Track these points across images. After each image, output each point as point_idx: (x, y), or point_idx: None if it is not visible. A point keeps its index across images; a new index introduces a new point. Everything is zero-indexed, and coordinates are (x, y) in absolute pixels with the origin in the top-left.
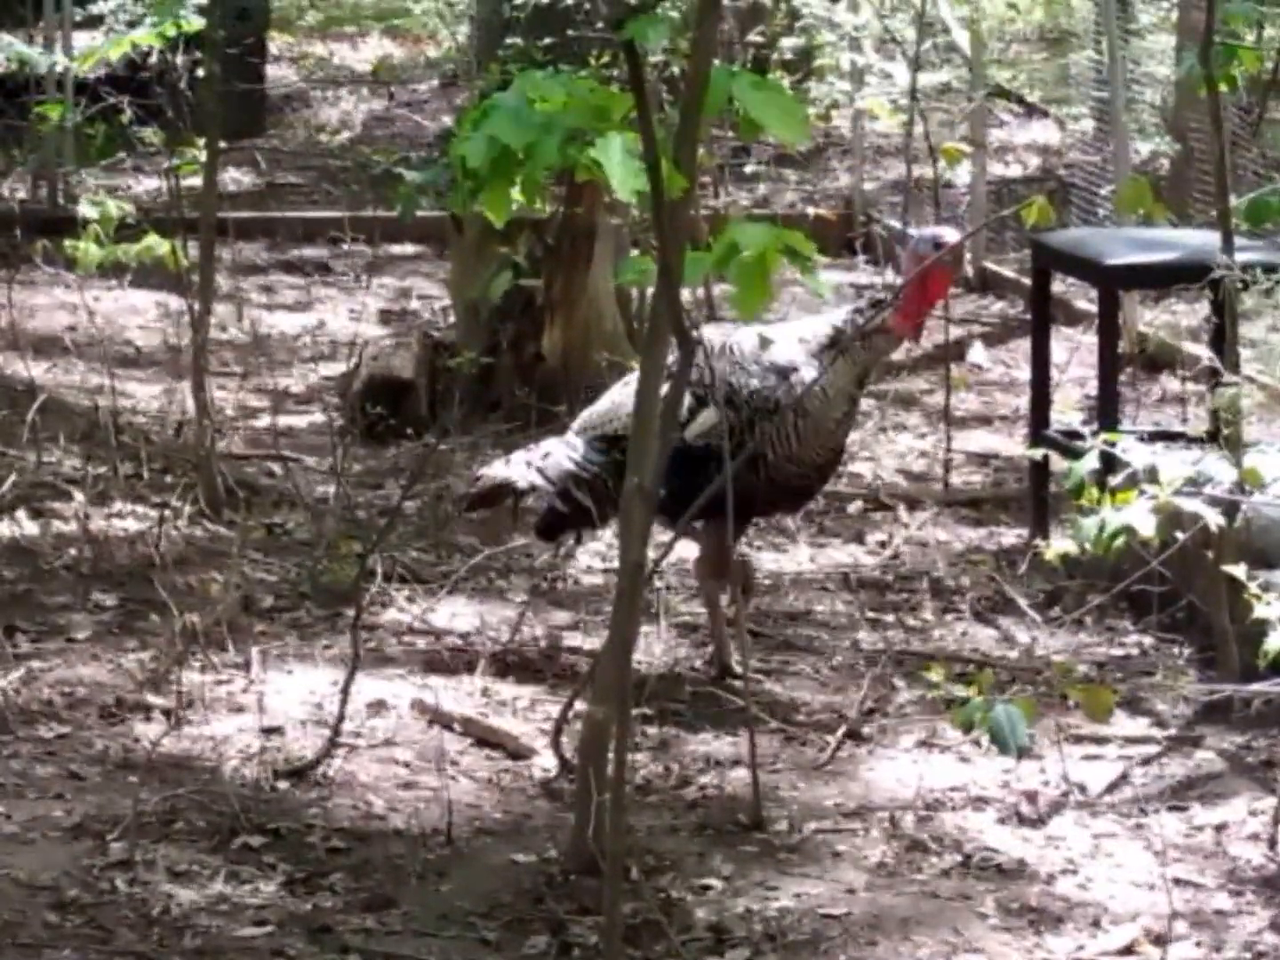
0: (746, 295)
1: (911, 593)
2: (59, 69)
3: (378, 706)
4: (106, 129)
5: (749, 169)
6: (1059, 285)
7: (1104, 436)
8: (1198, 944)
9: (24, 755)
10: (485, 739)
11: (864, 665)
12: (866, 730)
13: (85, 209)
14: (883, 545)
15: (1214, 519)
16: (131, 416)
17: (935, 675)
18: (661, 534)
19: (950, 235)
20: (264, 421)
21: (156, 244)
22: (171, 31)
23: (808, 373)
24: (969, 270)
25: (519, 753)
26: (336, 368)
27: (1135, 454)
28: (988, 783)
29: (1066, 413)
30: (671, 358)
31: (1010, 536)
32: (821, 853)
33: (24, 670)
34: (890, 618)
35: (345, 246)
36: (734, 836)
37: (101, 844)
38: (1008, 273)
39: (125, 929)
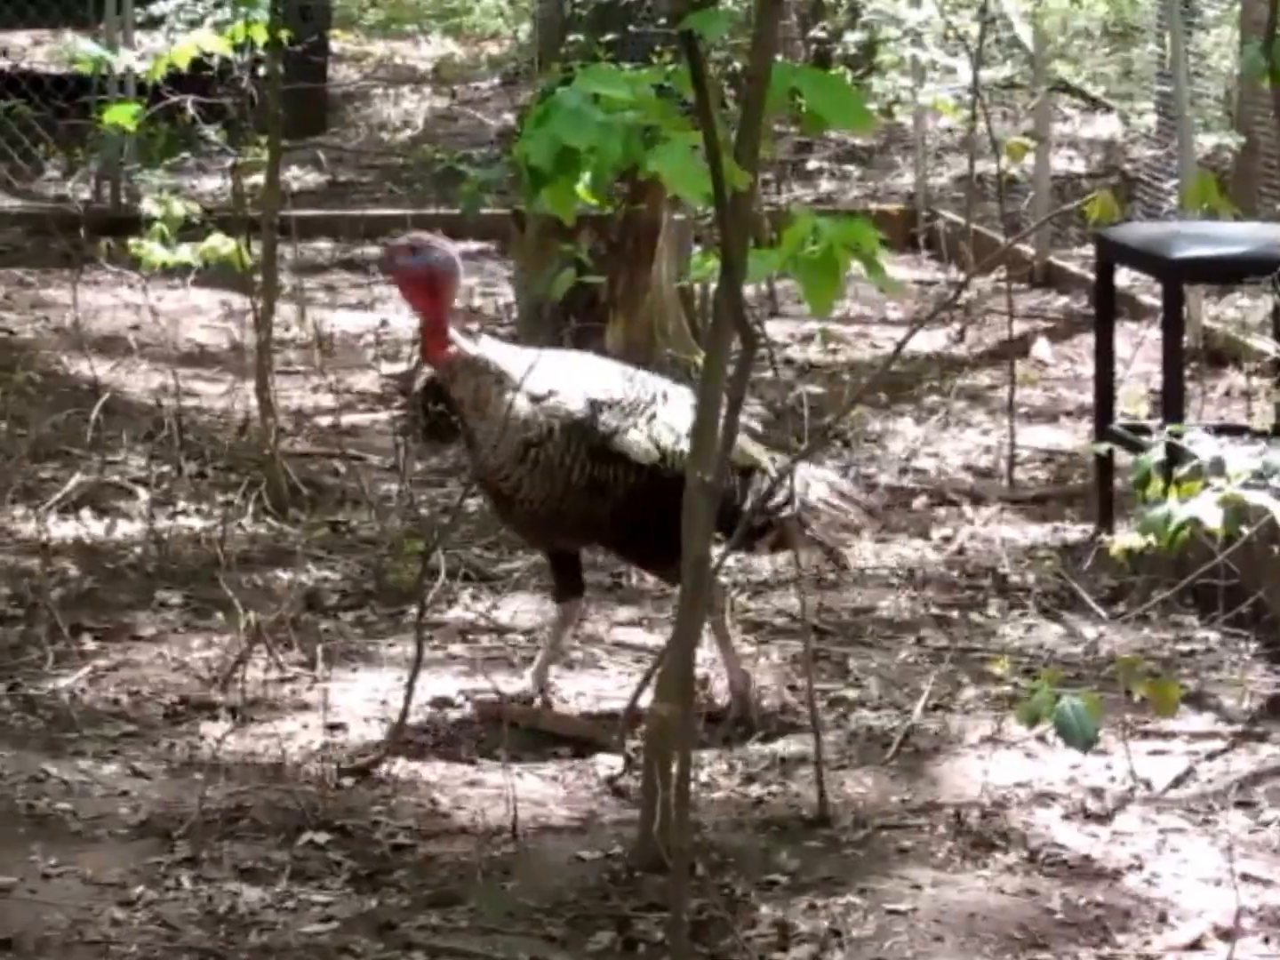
0: (816, 292)
1: (976, 589)
2: (120, 69)
3: (442, 704)
4: (169, 128)
5: (811, 165)
6: (1123, 280)
7: (1169, 430)
8: (1265, 940)
9: (90, 754)
10: (551, 734)
11: (929, 662)
12: (932, 727)
13: (149, 208)
14: (947, 541)
15: None
16: (196, 416)
17: (1000, 666)
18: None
19: (420, 239)
20: (328, 420)
21: (220, 243)
22: (240, 36)
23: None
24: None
25: (589, 741)
26: (399, 366)
27: (1201, 447)
28: (1054, 779)
29: (1131, 408)
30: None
31: (1075, 532)
32: (887, 849)
33: (90, 669)
34: (955, 614)
35: None
36: (799, 833)
37: (168, 842)
38: (1072, 268)
39: (191, 926)
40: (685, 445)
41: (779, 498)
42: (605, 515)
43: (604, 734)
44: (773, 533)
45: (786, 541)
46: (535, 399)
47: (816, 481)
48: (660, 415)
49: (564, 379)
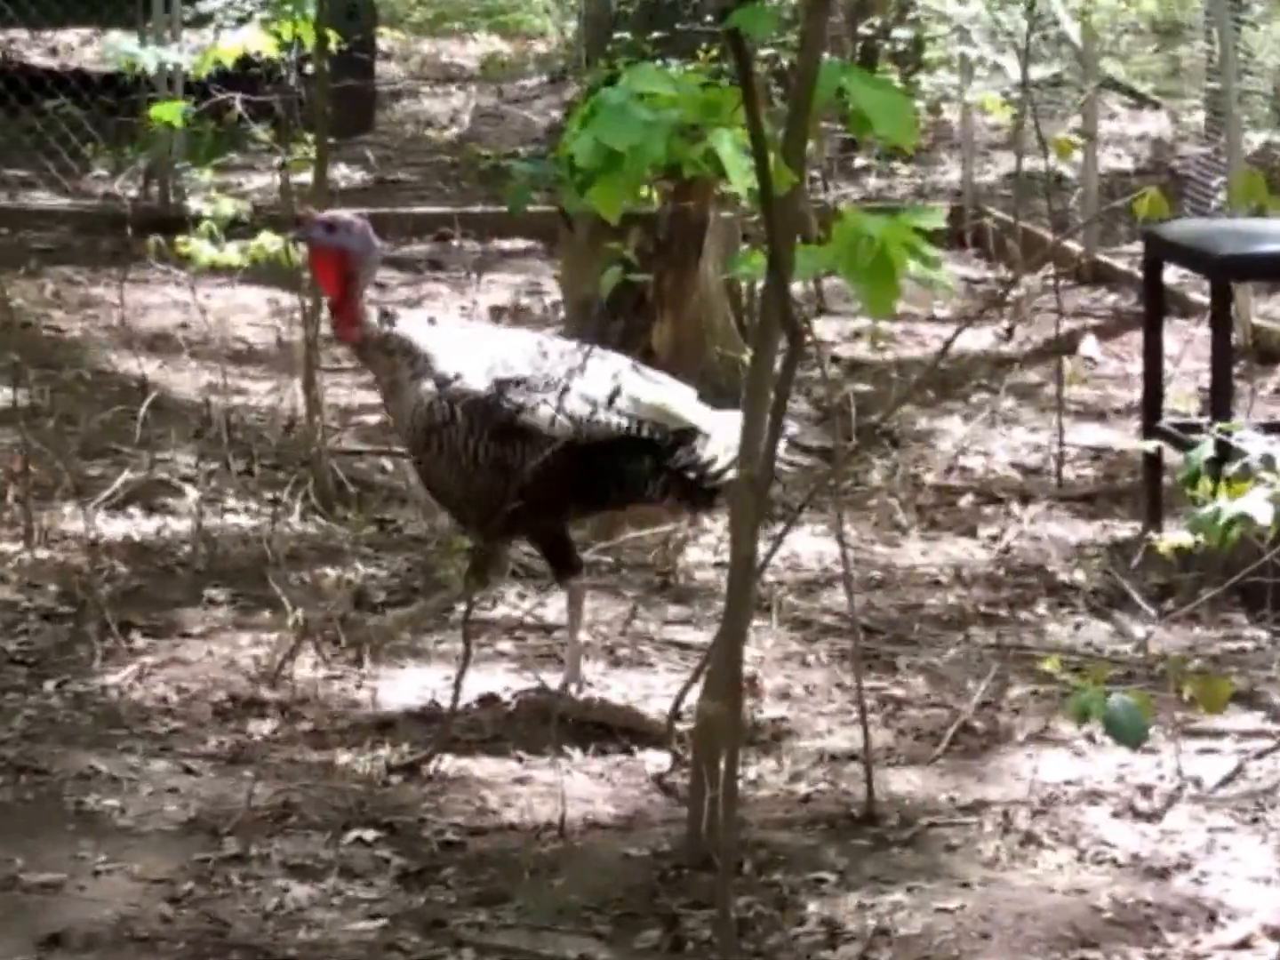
0: (874, 292)
1: (1025, 587)
2: (169, 67)
3: (490, 701)
4: (217, 126)
5: (858, 163)
6: (1172, 277)
7: (1218, 428)
8: None
9: (138, 750)
10: (603, 722)
11: (977, 660)
12: (980, 725)
13: (197, 207)
14: (995, 539)
15: None
16: (243, 414)
17: (1050, 664)
18: (773, 528)
19: (338, 217)
20: (375, 418)
21: (268, 242)
22: (287, 34)
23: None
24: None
25: (639, 730)
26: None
27: (1250, 445)
28: (1102, 777)
29: (1180, 405)
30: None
31: (1124, 530)
32: (935, 847)
33: (138, 666)
34: (1003, 612)
35: (455, 243)
36: (847, 831)
37: (216, 838)
38: (1120, 265)
39: (240, 923)
40: (603, 415)
41: (722, 462)
42: (514, 495)
43: (654, 724)
44: (720, 496)
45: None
46: (441, 383)
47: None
48: (574, 388)
49: (473, 360)
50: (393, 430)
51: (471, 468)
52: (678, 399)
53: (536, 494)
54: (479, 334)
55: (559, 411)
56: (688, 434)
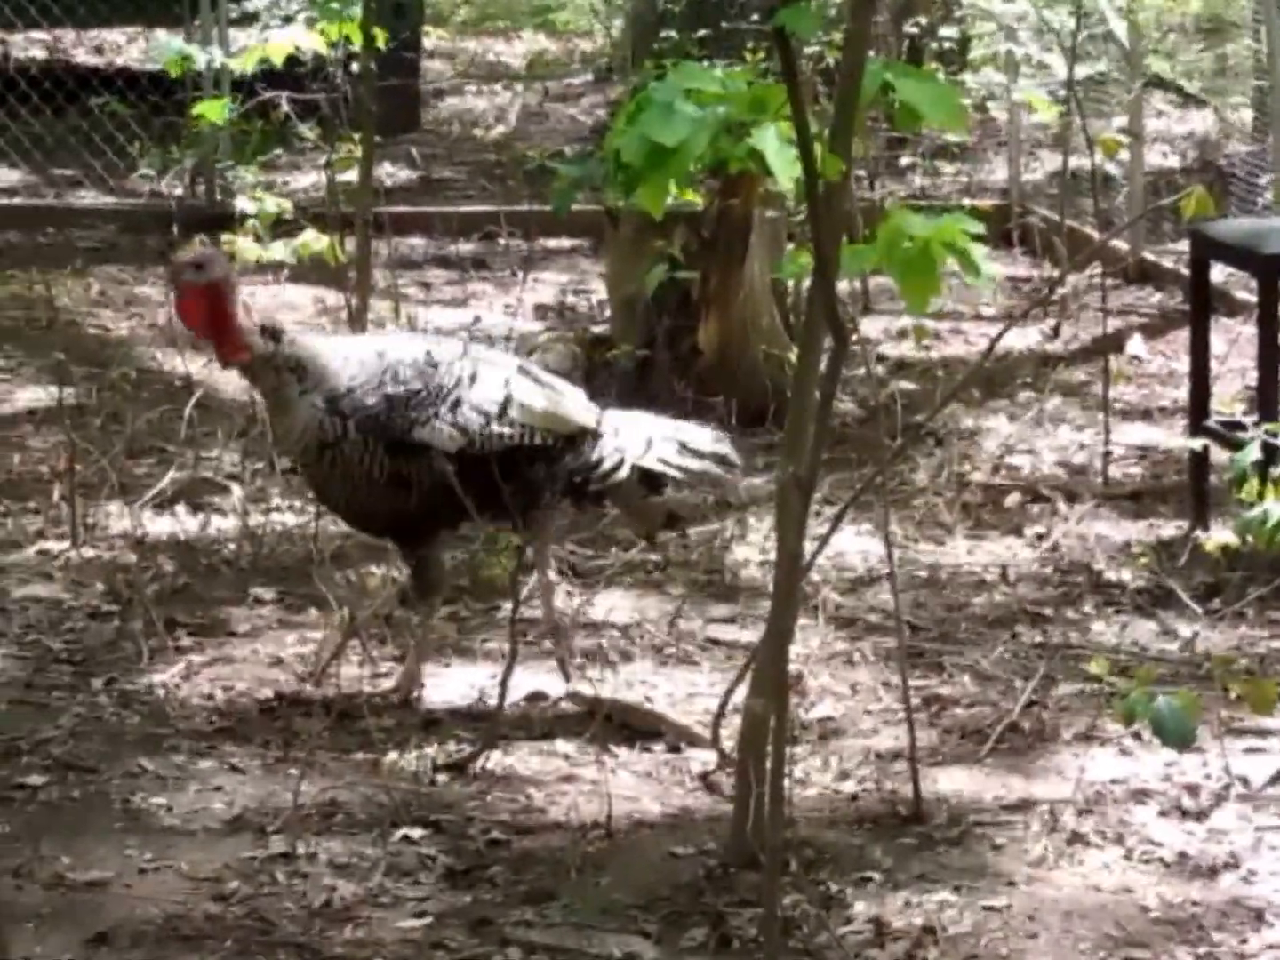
0: (914, 288)
1: (1071, 586)
2: (215, 66)
3: (536, 699)
4: (263, 125)
5: (904, 161)
6: (1218, 275)
7: (1265, 427)
8: None
9: (184, 749)
10: (645, 729)
11: (1023, 658)
12: (1027, 724)
13: (243, 205)
14: (1041, 538)
15: None
16: None
17: (1096, 666)
18: (818, 526)
19: (204, 254)
20: None
21: (314, 240)
22: (335, 33)
23: None
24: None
25: (684, 739)
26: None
27: None
28: (1149, 776)
29: (1226, 404)
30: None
31: (1170, 529)
32: (982, 846)
33: (185, 665)
34: (1049, 611)
35: (501, 241)
36: (893, 829)
37: (262, 836)
38: (1167, 264)
39: (286, 921)
40: (496, 426)
41: (609, 464)
42: (411, 508)
43: (697, 734)
44: (607, 498)
45: (623, 503)
46: (333, 398)
47: (662, 442)
48: (466, 399)
49: (364, 374)
50: (276, 444)
51: (365, 483)
52: (568, 402)
53: (433, 507)
54: (368, 345)
55: (452, 425)
56: (577, 437)
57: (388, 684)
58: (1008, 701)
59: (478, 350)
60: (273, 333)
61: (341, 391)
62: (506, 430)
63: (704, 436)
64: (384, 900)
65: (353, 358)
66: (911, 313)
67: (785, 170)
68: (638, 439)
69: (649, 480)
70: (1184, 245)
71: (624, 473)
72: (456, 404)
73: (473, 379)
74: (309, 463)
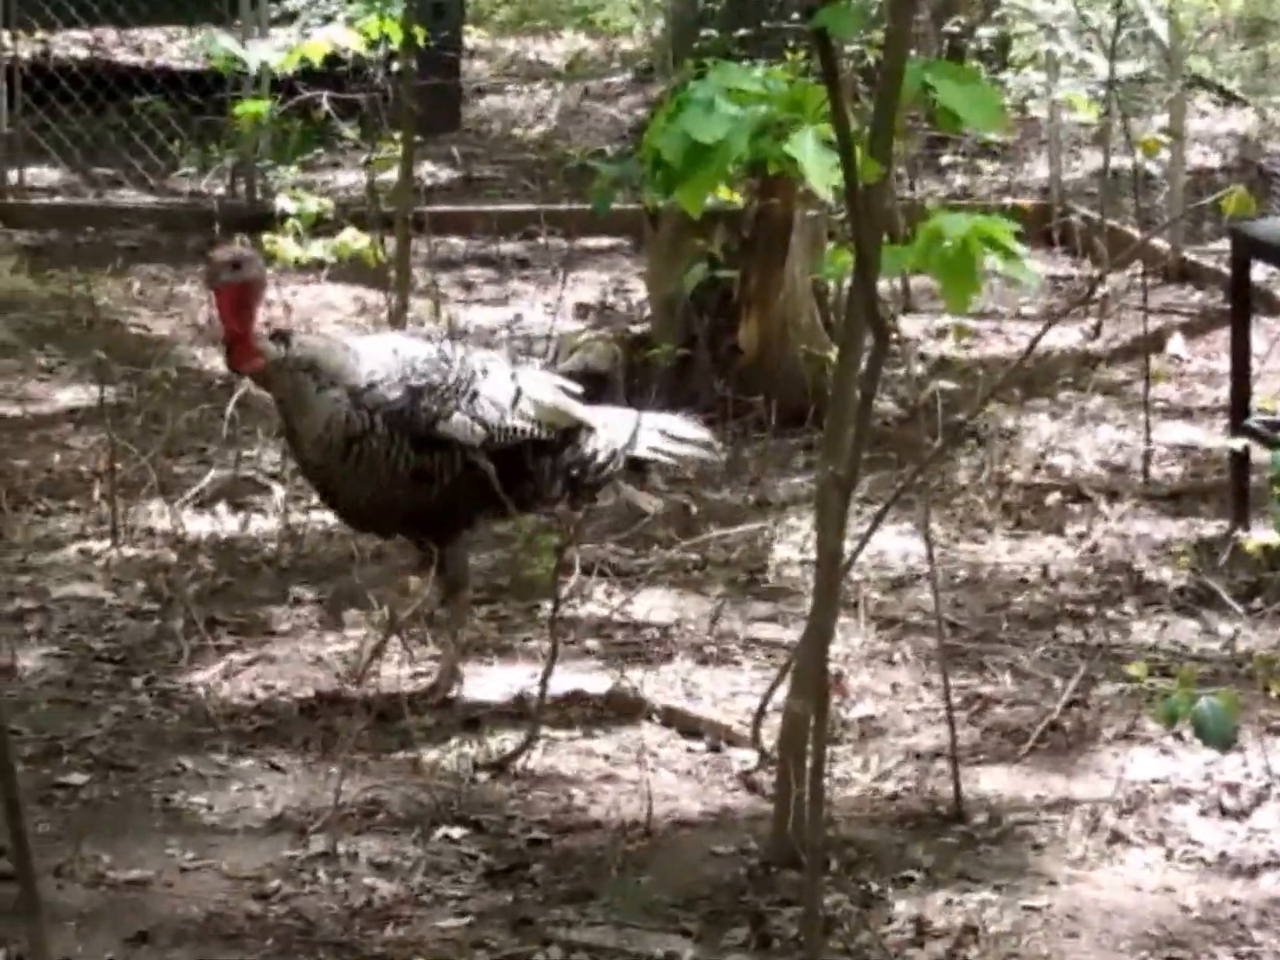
0: (954, 287)
1: (1111, 585)
2: (267, 64)
3: (576, 699)
4: (303, 124)
5: (945, 160)
6: (1259, 275)
7: None
8: None
9: (225, 748)
10: (685, 729)
11: (1064, 658)
12: (1067, 723)
13: (283, 204)
14: (1082, 537)
15: None
16: None
17: (1136, 669)
18: (859, 526)
19: (241, 254)
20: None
21: (354, 239)
22: (374, 31)
23: None
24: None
25: (724, 739)
26: (533, 362)
27: None
28: (1190, 775)
29: (1268, 403)
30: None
31: (1211, 528)
32: (1022, 845)
33: (225, 664)
34: (1090, 610)
35: (541, 240)
36: (934, 829)
37: (303, 836)
38: (1207, 263)
39: (327, 920)
40: (511, 420)
41: (602, 458)
42: (432, 502)
43: (738, 733)
44: (602, 489)
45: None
46: (355, 393)
47: (647, 431)
48: (482, 392)
49: (382, 369)
50: (293, 452)
51: (389, 478)
52: (564, 397)
53: (451, 501)
54: (375, 342)
55: (473, 419)
56: (574, 431)
57: (427, 682)
58: (1048, 701)
59: (469, 347)
60: (282, 336)
61: (363, 386)
62: (519, 424)
63: (684, 425)
64: (424, 899)
65: (365, 354)
66: (952, 312)
67: (821, 177)
68: (624, 431)
69: (636, 466)
70: (1224, 244)
71: (617, 465)
72: (474, 397)
73: (484, 373)
74: (330, 460)
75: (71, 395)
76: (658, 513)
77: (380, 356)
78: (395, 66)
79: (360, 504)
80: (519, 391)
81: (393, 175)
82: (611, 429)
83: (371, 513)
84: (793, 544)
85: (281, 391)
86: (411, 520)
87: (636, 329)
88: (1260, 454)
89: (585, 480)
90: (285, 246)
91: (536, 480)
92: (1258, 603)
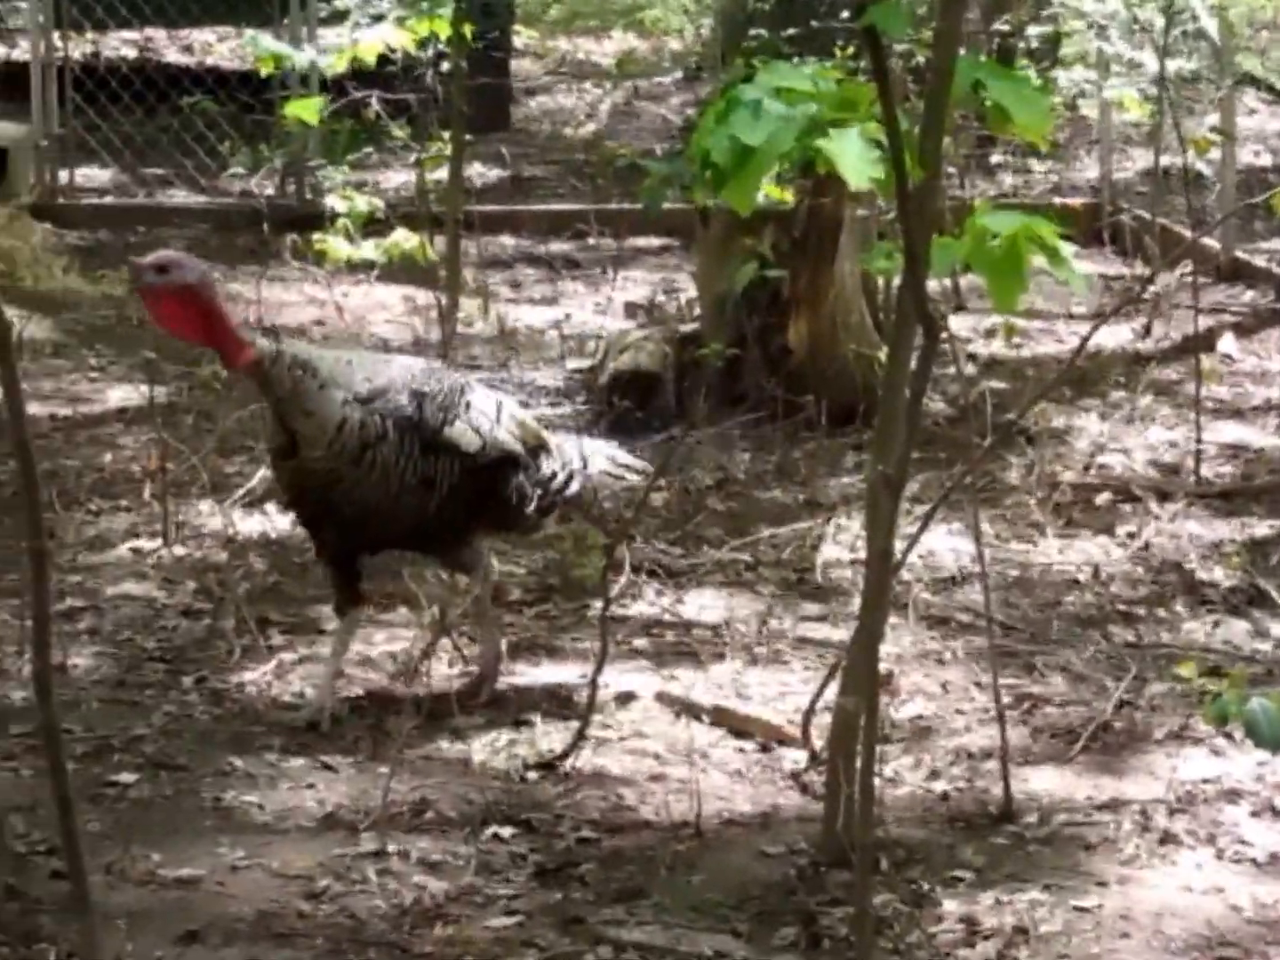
0: (1001, 286)
1: (1162, 585)
2: (304, 65)
3: (626, 698)
4: (353, 124)
5: (994, 159)
6: None
7: None
8: None
9: (276, 747)
10: (735, 728)
11: (1115, 658)
12: (1118, 723)
13: (333, 204)
14: (1132, 537)
15: None
16: None
17: (1187, 670)
18: (909, 526)
19: (168, 256)
20: None
21: (404, 238)
22: (424, 30)
23: None
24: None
25: (775, 738)
26: (583, 362)
27: None
28: (1241, 776)
29: None
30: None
31: (1262, 528)
32: (1073, 845)
33: (276, 663)
34: (1141, 610)
35: (591, 240)
36: (985, 828)
37: (353, 834)
38: (1258, 262)
39: (377, 919)
40: (499, 432)
41: (561, 478)
42: (432, 512)
43: (788, 733)
44: (558, 510)
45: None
46: (361, 399)
47: (594, 455)
48: (474, 403)
49: (380, 376)
50: (282, 456)
51: (397, 486)
52: (529, 415)
53: (452, 512)
54: (366, 355)
55: (470, 427)
56: (538, 451)
57: (471, 680)
58: (1099, 701)
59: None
60: (274, 334)
61: (364, 393)
62: (504, 436)
63: (617, 450)
64: (474, 899)
65: (353, 360)
66: (999, 311)
67: (857, 173)
68: (575, 454)
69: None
70: (1276, 243)
71: (575, 486)
72: (468, 407)
73: (470, 384)
74: (341, 465)
75: (122, 395)
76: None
77: (367, 364)
78: (445, 66)
79: (364, 511)
80: (500, 405)
81: (442, 175)
82: (566, 450)
83: (373, 522)
84: (843, 543)
85: (280, 389)
86: (411, 533)
87: (686, 328)
88: None
89: (546, 500)
90: (335, 246)
91: (517, 495)
92: None
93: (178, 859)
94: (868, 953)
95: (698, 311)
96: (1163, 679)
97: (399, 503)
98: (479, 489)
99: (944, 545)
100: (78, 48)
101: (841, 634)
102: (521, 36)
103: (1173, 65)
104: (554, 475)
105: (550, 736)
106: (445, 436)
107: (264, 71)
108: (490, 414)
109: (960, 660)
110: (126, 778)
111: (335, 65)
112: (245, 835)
